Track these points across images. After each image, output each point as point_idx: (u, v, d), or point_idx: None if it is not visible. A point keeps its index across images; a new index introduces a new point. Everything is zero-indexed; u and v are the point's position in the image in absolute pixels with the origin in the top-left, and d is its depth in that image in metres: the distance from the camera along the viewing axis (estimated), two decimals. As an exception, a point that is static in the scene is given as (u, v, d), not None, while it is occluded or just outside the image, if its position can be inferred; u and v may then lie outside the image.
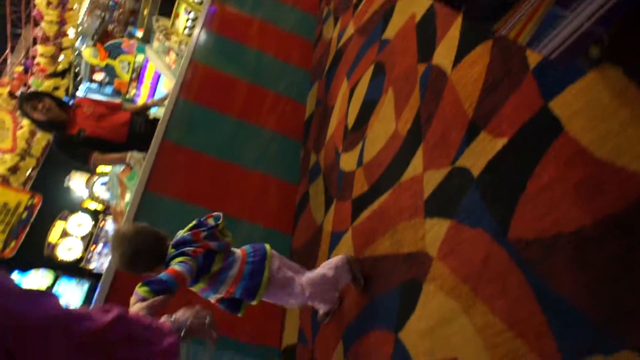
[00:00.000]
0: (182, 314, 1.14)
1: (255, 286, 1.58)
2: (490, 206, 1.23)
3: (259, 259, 1.63)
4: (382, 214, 1.76)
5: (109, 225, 11.47)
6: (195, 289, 1.57)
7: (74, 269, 11.46)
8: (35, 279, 10.91)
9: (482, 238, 1.22)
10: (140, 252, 1.45)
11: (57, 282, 11.20)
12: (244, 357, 2.26)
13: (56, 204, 11.57)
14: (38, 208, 8.73)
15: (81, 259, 11.52)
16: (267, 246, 1.70)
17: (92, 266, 11.38)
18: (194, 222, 1.59)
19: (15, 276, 10.63)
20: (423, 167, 1.61)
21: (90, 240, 11.65)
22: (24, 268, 10.77)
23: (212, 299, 1.63)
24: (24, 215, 8.30)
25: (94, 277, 11.31)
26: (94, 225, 11.83)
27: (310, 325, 2.02)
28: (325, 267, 1.73)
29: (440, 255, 1.37)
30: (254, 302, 1.62)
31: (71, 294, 11.17)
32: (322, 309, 1.82)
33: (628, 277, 0.84)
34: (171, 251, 1.47)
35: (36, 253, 11.16)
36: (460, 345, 1.18)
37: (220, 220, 1.61)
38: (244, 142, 2.90)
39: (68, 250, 11.60)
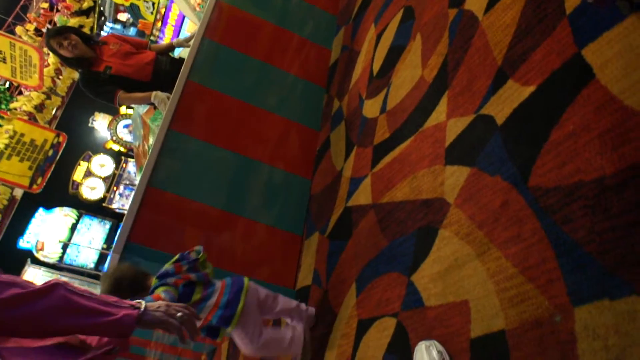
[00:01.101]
0: (154, 303, 1.18)
1: (230, 316, 1.71)
2: (512, 154, 1.22)
3: (236, 290, 1.77)
4: (402, 160, 1.77)
5: (131, 167, 11.70)
6: None
7: (97, 209, 11.82)
8: (59, 217, 11.30)
9: (501, 185, 1.23)
10: (120, 281, 1.66)
11: (81, 220, 11.58)
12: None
13: (80, 145, 11.82)
14: (63, 147, 8.93)
15: (104, 199, 11.86)
16: (246, 280, 1.85)
17: (114, 206, 11.72)
18: (176, 257, 1.74)
19: (41, 213, 11.02)
20: (447, 115, 1.60)
21: (112, 181, 11.95)
22: (49, 206, 11.13)
23: (207, 308, 1.74)
24: (50, 152, 8.51)
25: (115, 217, 11.68)
26: (117, 167, 12.09)
27: (325, 268, 2.08)
28: (286, 337, 1.88)
29: (457, 201, 1.38)
30: (229, 330, 1.75)
31: (94, 233, 11.57)
32: None
33: (645, 224, 0.85)
34: (154, 282, 1.64)
35: (61, 192, 11.52)
36: (471, 288, 1.21)
37: (201, 253, 1.78)
38: (267, 86, 2.89)
39: (91, 190, 11.93)
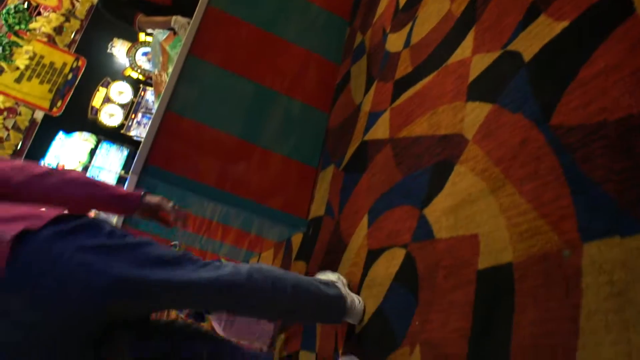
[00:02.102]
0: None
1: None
2: (537, 91, 1.20)
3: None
4: (423, 96, 1.74)
5: (149, 96, 11.70)
6: None
7: (115, 135, 11.95)
8: (78, 142, 11.48)
9: (522, 123, 1.21)
10: None
11: (99, 146, 11.75)
12: (273, 222, 2.40)
13: (99, 70, 11.77)
14: (82, 71, 8.92)
15: (122, 126, 11.95)
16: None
17: (132, 134, 11.83)
18: None
19: (61, 137, 11.19)
20: (472, 50, 1.55)
21: (130, 108, 11.99)
22: (69, 130, 11.28)
23: (182, 314, 2.13)
24: (69, 76, 8.53)
25: (133, 145, 11.82)
26: (135, 95, 12.10)
27: (338, 200, 2.11)
28: (256, 330, 2.17)
29: (476, 138, 1.37)
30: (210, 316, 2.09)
31: (112, 159, 11.77)
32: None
33: (666, 164, 0.84)
34: None
35: (80, 117, 11.62)
36: (482, 223, 1.23)
37: (178, 247, 2.12)
38: (289, 16, 2.82)
39: (110, 116, 12.01)
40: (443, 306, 1.25)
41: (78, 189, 1.25)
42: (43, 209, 1.10)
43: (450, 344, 1.17)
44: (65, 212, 1.13)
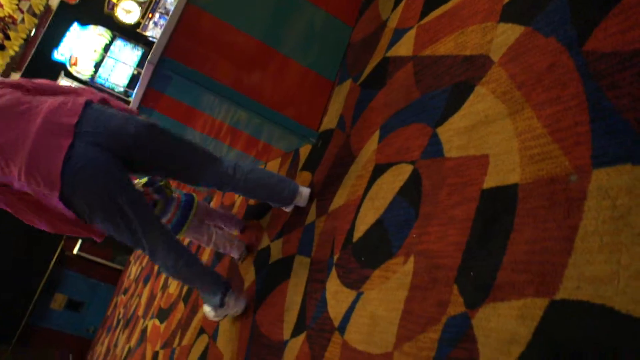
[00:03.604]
0: None
1: (184, 219, 2.52)
2: (576, 15, 1.15)
3: (188, 204, 2.56)
4: (454, 14, 1.68)
5: (168, -4, 11.29)
6: None
7: (131, 34, 11.67)
8: (93, 36, 11.23)
9: (553, 47, 1.18)
10: None
11: (114, 42, 11.52)
12: (283, 131, 2.41)
13: (119, -39, 11.27)
14: (101, -41, 8.55)
15: (138, 24, 11.64)
16: (195, 198, 2.63)
17: (148, 34, 11.55)
18: (146, 180, 2.39)
19: (75, 28, 10.94)
20: (514, -31, 1.48)
21: (148, 7, 11.62)
22: (84, 22, 11.01)
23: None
24: (88, -37, 8.18)
25: (148, 45, 11.58)
26: (154, -7, 11.67)
27: (352, 114, 2.10)
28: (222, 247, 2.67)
29: (502, 60, 1.34)
30: (183, 230, 2.53)
31: (126, 57, 11.58)
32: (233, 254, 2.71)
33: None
34: None
35: (96, 10, 11.29)
36: (495, 144, 1.23)
37: (164, 181, 2.47)
38: None
39: (127, 13, 11.67)
40: (442, 220, 1.28)
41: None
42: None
43: (445, 255, 1.21)
44: None
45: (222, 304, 2.12)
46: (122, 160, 1.68)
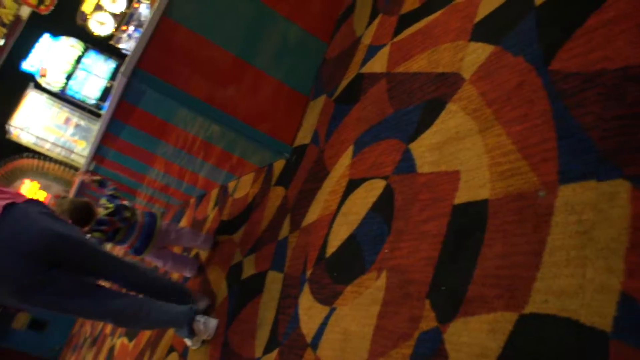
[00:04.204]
0: None
1: (145, 245, 2.59)
2: (542, 36, 1.19)
3: (146, 235, 2.59)
4: (426, 32, 1.72)
5: (143, 9, 11.24)
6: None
7: (104, 46, 11.55)
8: (64, 47, 11.06)
9: (521, 66, 1.21)
10: (76, 211, 2.33)
11: (86, 54, 11.36)
12: (257, 145, 2.40)
13: (93, -27, 11.18)
14: (75, -29, 8.47)
15: (112, 36, 11.53)
16: (158, 221, 2.66)
17: (121, 46, 11.45)
18: (112, 209, 2.44)
19: (47, 39, 10.76)
20: (484, -10, 1.52)
21: (122, 19, 11.53)
22: (56, 33, 10.84)
23: (124, 245, 2.58)
24: (61, -26, 8.08)
25: (121, 58, 11.46)
26: (128, 6, 11.60)
27: (326, 129, 2.11)
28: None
29: (473, 78, 1.37)
30: (144, 254, 2.64)
31: (98, 70, 11.44)
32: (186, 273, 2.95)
33: (654, 114, 0.86)
34: (93, 224, 2.37)
35: (69, 21, 11.15)
36: (465, 160, 1.25)
37: (128, 208, 2.52)
38: None
39: (100, 25, 11.55)
40: (414, 235, 1.29)
41: None
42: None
43: (417, 270, 1.22)
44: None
45: (191, 334, 2.18)
46: (39, 261, 1.76)
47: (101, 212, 2.43)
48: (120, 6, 11.53)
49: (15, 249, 1.70)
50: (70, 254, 1.85)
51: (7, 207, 1.71)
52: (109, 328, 4.95)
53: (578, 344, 0.79)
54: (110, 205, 2.46)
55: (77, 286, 1.87)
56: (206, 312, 2.30)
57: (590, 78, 1.01)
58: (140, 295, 2.12)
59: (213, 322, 2.20)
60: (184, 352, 2.42)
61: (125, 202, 2.54)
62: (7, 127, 10.13)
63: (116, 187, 2.63)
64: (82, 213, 2.34)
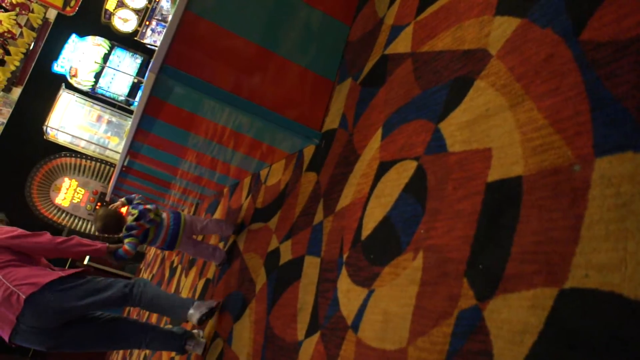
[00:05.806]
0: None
1: (174, 241, 2.89)
2: (571, 5, 1.16)
3: (174, 230, 2.87)
4: (449, 9, 1.69)
5: (165, 2, 11.34)
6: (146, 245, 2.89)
7: (129, 42, 11.72)
8: (91, 46, 11.29)
9: (550, 38, 1.19)
10: (107, 228, 2.75)
11: (113, 52, 11.56)
12: (286, 132, 2.43)
13: (113, -29, 11.31)
14: (96, -30, 8.59)
15: (136, 32, 11.69)
16: (183, 216, 2.95)
17: (146, 41, 11.60)
18: (137, 214, 2.71)
19: (74, 39, 11.00)
20: (508, -39, 1.48)
21: (145, 14, 11.66)
22: (82, 33, 11.06)
23: (154, 246, 2.92)
24: (83, -25, 8.22)
25: (147, 53, 11.63)
26: (150, 1, 11.71)
27: (354, 113, 2.12)
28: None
29: (500, 53, 1.35)
30: (176, 247, 2.94)
31: (125, 66, 11.63)
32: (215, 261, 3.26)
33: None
34: (125, 232, 2.69)
35: (93, 20, 11.34)
36: (497, 137, 1.24)
37: (152, 210, 2.77)
38: None
39: (124, 21, 11.71)
40: (449, 215, 1.29)
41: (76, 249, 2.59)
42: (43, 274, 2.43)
43: (453, 249, 1.23)
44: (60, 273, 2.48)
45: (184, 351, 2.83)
46: (57, 329, 2.40)
47: (129, 219, 2.72)
48: (142, 1, 11.65)
49: (38, 327, 2.32)
50: (77, 316, 2.47)
51: (27, 301, 2.25)
52: (154, 317, 5.13)
53: (621, 318, 0.79)
54: (135, 212, 2.73)
55: (91, 334, 2.53)
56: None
57: (623, 46, 0.98)
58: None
59: (201, 346, 2.78)
60: (228, 339, 2.50)
61: (149, 206, 2.78)
62: (44, 128, 10.46)
63: (141, 196, 2.87)
64: (113, 221, 2.73)
